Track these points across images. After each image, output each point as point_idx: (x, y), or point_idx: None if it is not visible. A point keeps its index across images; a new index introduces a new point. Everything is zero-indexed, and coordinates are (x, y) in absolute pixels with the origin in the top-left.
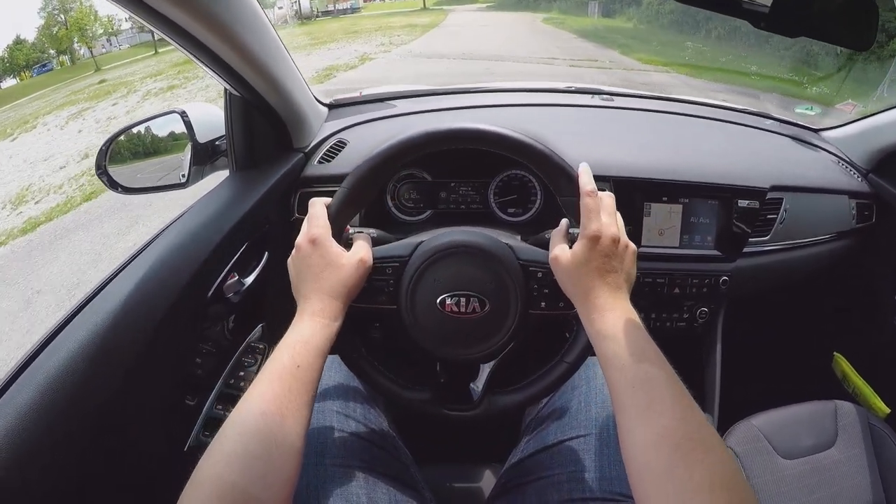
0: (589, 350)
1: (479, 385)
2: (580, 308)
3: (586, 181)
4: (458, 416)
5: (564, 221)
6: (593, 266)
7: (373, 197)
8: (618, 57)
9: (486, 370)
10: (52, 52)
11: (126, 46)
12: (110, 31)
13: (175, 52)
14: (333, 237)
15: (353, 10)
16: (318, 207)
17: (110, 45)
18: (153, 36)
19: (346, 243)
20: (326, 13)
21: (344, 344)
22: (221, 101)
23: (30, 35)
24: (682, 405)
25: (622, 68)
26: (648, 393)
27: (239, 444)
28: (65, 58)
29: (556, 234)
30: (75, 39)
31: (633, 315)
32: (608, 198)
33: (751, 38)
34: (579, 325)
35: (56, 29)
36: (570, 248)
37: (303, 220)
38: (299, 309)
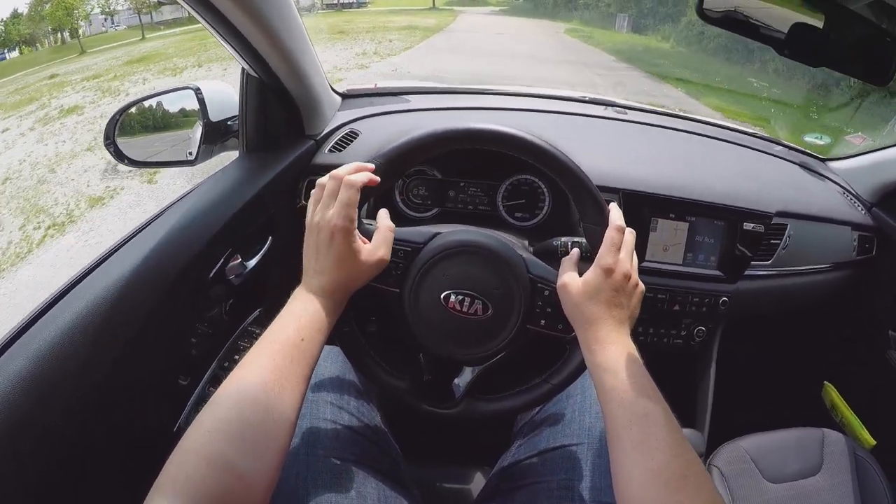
0: (575, 376)
1: (462, 384)
2: (582, 336)
3: (617, 216)
4: (434, 412)
5: (576, 251)
6: (602, 298)
7: (397, 180)
8: (680, 96)
9: (470, 372)
10: (48, 29)
11: (123, 27)
12: (107, 10)
13: (141, 45)
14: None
15: (360, 4)
16: (352, 193)
17: (111, 23)
18: (140, 19)
19: (368, 232)
20: (330, 6)
21: (339, 321)
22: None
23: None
24: (675, 442)
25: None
26: (644, 429)
27: (234, 411)
28: (63, 34)
29: (567, 262)
30: (62, 19)
31: (634, 351)
32: (630, 235)
33: (817, 77)
34: (572, 350)
35: (48, 6)
36: (580, 275)
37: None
38: (307, 281)
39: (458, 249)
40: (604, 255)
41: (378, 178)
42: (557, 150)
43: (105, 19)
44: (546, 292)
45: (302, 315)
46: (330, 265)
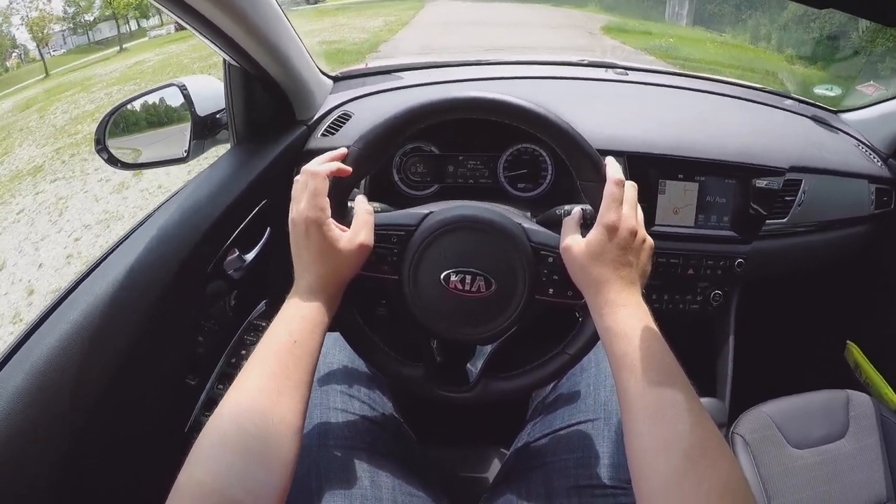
0: (593, 343)
1: (476, 367)
2: (590, 301)
3: (615, 170)
4: (451, 397)
5: (577, 210)
6: (608, 258)
7: (382, 163)
8: None
9: (484, 352)
10: None
11: (61, 52)
12: (38, 36)
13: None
14: (334, 215)
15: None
16: (318, 182)
17: (48, 51)
18: (41, 55)
19: (347, 218)
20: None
21: (341, 313)
22: None
23: None
24: (693, 411)
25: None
26: (660, 397)
27: (234, 424)
28: None
29: (569, 223)
30: None
31: (646, 313)
32: (632, 189)
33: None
34: (585, 316)
35: None
36: (584, 237)
37: None
38: (297, 282)
39: (452, 226)
40: (605, 213)
41: (348, 168)
42: (542, 108)
43: (37, 47)
44: (550, 259)
45: (293, 318)
46: (312, 260)
